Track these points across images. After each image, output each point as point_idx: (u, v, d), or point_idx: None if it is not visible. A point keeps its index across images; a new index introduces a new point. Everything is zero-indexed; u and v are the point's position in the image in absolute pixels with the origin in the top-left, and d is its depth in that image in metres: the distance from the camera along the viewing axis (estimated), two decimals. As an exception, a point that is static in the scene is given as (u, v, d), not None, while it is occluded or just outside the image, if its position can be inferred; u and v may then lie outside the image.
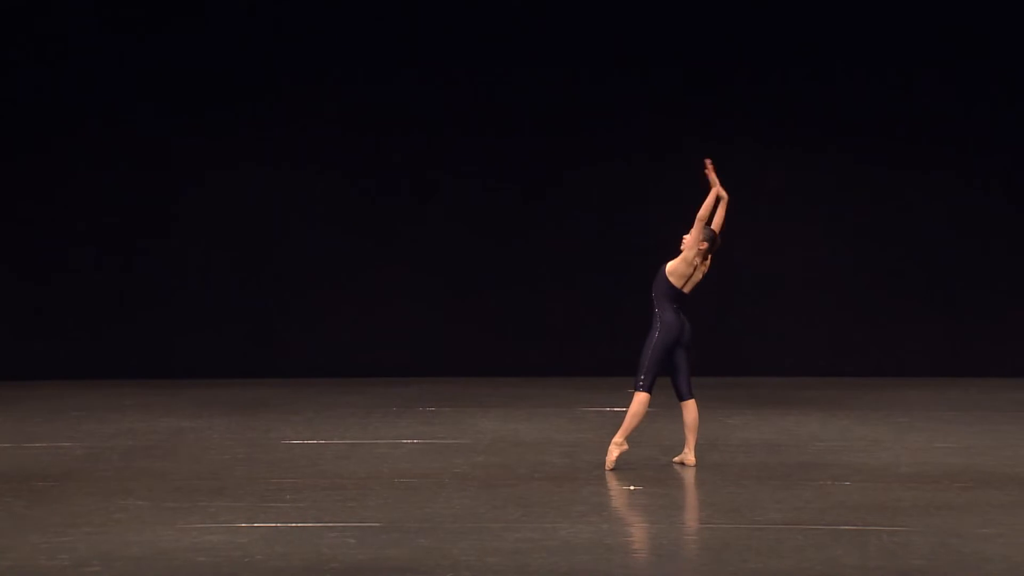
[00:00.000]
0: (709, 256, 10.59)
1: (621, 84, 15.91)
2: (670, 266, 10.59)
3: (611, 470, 10.41)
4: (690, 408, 10.65)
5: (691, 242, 10.50)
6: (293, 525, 8.89)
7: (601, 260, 16.06)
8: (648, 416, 12.98)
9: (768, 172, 15.99)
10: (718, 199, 10.65)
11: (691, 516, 9.07)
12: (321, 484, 10.14)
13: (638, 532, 8.64)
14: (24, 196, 15.87)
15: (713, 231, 10.56)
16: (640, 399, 10.51)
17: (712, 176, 10.70)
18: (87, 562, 7.96)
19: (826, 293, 16.05)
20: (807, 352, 16.04)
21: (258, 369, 15.82)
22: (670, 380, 10.72)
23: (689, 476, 10.40)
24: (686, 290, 10.63)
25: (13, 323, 15.84)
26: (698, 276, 10.64)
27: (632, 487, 10.00)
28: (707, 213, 10.56)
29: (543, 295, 16.09)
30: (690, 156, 16.02)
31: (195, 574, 7.77)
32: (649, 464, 10.87)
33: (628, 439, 10.54)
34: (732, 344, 16.03)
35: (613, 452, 10.47)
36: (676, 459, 10.75)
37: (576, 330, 16.09)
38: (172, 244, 15.96)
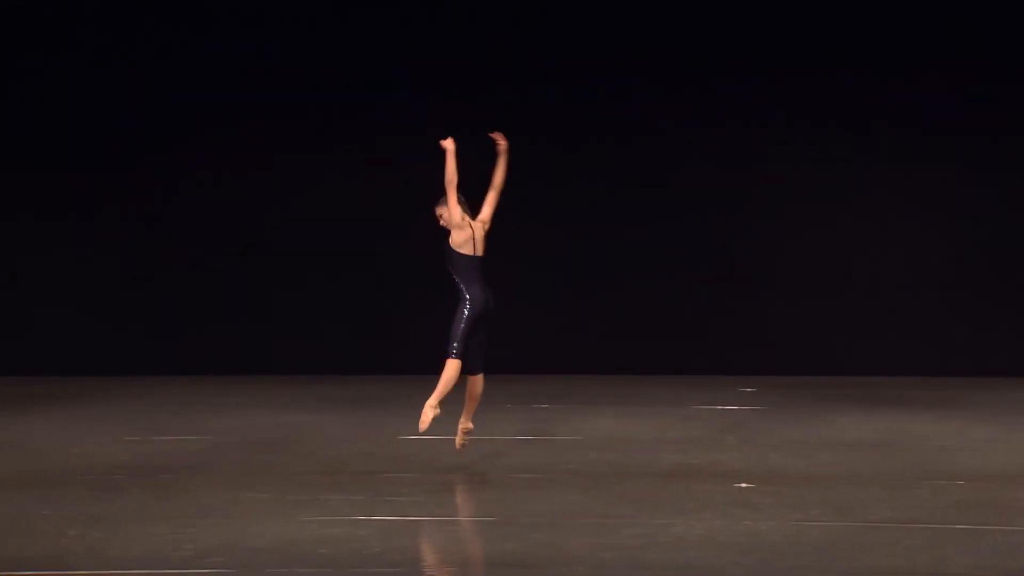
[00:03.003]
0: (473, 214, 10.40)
1: (712, 88, 15.83)
2: (452, 241, 10.41)
3: (424, 432, 10.28)
4: (477, 382, 10.53)
5: (451, 205, 10.28)
6: (410, 519, 8.92)
7: (707, 260, 15.97)
8: (760, 415, 12.89)
9: (868, 174, 15.84)
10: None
11: (801, 514, 8.97)
12: (436, 479, 10.17)
13: (750, 529, 8.55)
14: (142, 200, 16.08)
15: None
16: (452, 365, 10.35)
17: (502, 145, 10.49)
18: (211, 552, 8.04)
19: (933, 292, 15.85)
20: (915, 352, 15.84)
21: (372, 366, 15.91)
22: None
23: (800, 474, 10.30)
24: (479, 253, 10.47)
25: (146, 322, 16.04)
26: (480, 233, 10.45)
27: (744, 484, 9.92)
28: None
29: (653, 294, 16.02)
30: (784, 162, 16.10)
31: (316, 565, 7.82)
32: (760, 462, 10.78)
33: (442, 404, 10.37)
34: (840, 344, 15.88)
35: (428, 414, 10.25)
36: (461, 428, 10.54)
37: (686, 329, 16.01)
38: (282, 245, 16.07)
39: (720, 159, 16.04)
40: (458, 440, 10.53)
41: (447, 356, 10.43)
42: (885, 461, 10.78)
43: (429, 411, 10.32)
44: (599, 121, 16.02)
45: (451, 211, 10.34)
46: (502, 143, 10.55)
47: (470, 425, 10.60)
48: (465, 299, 10.50)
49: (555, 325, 16.05)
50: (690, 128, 15.98)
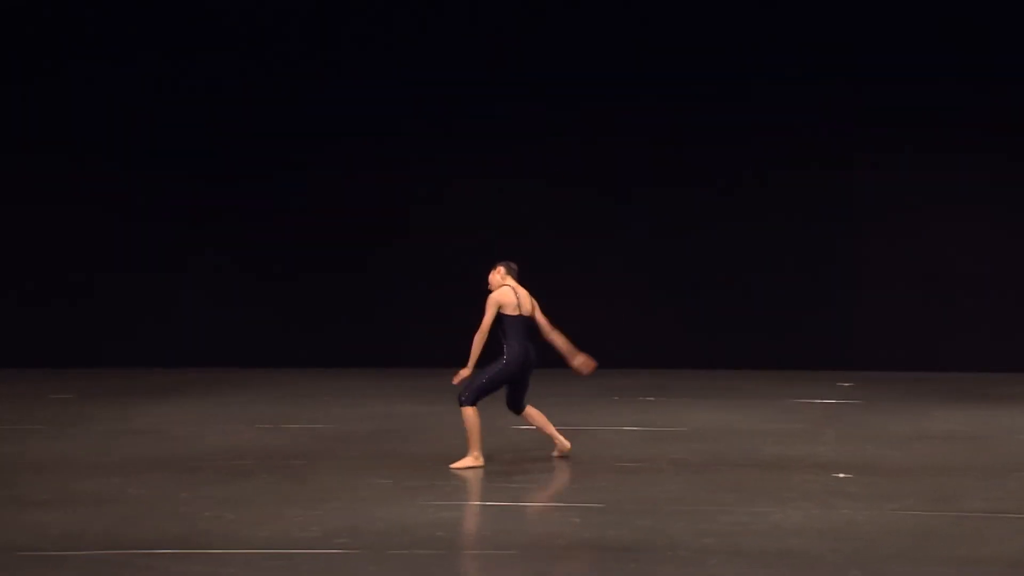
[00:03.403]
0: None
1: (806, 89, 15.77)
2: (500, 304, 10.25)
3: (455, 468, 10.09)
4: (531, 414, 10.42)
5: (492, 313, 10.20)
6: (521, 504, 8.99)
7: (805, 258, 15.92)
8: (856, 409, 12.82)
9: (962, 174, 15.70)
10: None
11: (897, 504, 8.95)
12: (546, 467, 10.23)
13: (846, 518, 8.55)
14: (284, 207, 16.34)
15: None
16: (466, 413, 10.21)
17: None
18: (336, 534, 8.16)
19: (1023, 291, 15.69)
20: (1004, 349, 15.68)
21: (485, 359, 16.00)
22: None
23: (895, 465, 10.27)
24: (525, 313, 10.33)
25: (279, 317, 16.29)
26: (526, 298, 10.35)
27: (841, 475, 9.91)
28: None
29: (754, 292, 16.00)
30: (880, 162, 16.00)
31: (434, 547, 7.91)
32: (857, 453, 10.75)
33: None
34: (932, 340, 15.75)
35: (465, 462, 10.13)
36: (559, 453, 10.42)
37: (785, 325, 15.97)
38: (405, 246, 16.24)
39: (819, 159, 15.97)
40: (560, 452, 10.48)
41: (460, 405, 10.29)
42: (977, 453, 10.70)
43: (470, 460, 10.18)
44: (698, 122, 16.02)
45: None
46: (582, 370, 10.42)
47: (567, 444, 10.48)
48: (503, 356, 10.31)
49: (659, 321, 16.08)
50: (789, 129, 15.93)
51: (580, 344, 16.28)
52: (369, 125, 16.20)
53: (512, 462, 10.41)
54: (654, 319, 16.07)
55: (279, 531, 8.21)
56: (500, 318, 10.30)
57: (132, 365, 15.95)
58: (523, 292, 10.38)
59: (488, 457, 10.58)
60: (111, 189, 16.31)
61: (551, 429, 10.50)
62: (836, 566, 7.50)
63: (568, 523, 8.45)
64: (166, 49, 16.26)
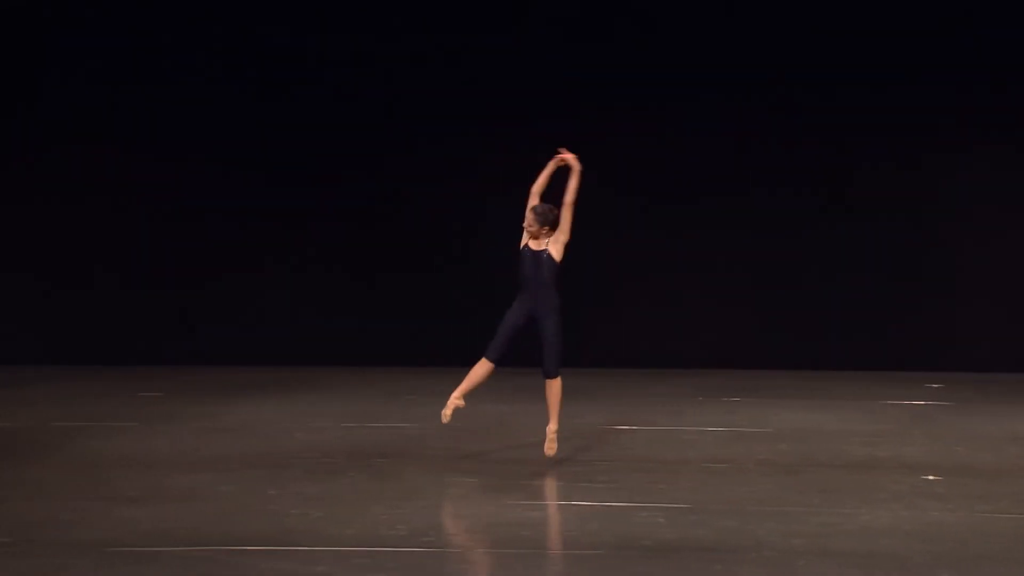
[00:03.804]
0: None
1: (891, 89, 15.63)
2: (557, 251, 10.04)
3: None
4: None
5: (565, 225, 9.97)
6: (606, 504, 8.97)
7: (894, 257, 15.77)
8: (946, 410, 12.68)
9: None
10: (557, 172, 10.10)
11: (989, 506, 8.83)
12: (631, 467, 10.20)
13: (936, 519, 8.45)
14: (358, 211, 16.44)
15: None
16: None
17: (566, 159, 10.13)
18: (422, 532, 8.18)
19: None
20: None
21: (568, 358, 15.98)
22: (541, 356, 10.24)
23: (988, 467, 10.13)
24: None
25: (369, 314, 16.36)
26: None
27: (931, 476, 9.79)
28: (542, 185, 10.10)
29: (841, 291, 15.87)
30: (969, 163, 15.82)
31: (519, 547, 7.92)
32: (947, 455, 10.62)
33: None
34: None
35: (550, 443, 10.03)
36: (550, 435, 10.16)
37: (873, 325, 15.83)
38: (490, 245, 16.23)
39: (907, 158, 15.82)
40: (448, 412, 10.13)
41: (557, 377, 10.14)
42: (1071, 455, 10.55)
43: (551, 440, 10.09)
44: (787, 121, 15.91)
45: (565, 228, 10.05)
46: (572, 163, 10.22)
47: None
48: (557, 308, 10.17)
49: (744, 321, 15.99)
50: (875, 129, 15.78)
51: (664, 345, 16.37)
52: (446, 124, 16.23)
53: (595, 462, 10.39)
54: (740, 319, 15.98)
55: (366, 529, 8.25)
56: (555, 266, 10.04)
57: (220, 363, 16.10)
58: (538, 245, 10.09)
59: (570, 457, 10.57)
60: (200, 189, 16.46)
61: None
62: (925, 567, 7.41)
63: (653, 523, 8.42)
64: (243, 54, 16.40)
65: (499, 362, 10.25)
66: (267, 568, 7.50)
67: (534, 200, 10.21)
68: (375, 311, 16.43)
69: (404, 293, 16.40)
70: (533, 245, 10.15)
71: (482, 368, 10.23)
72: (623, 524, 8.41)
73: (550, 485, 9.56)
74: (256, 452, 10.76)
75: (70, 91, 16.45)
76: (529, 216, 10.15)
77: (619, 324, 16.20)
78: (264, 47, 16.38)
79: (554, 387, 10.24)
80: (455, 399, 10.22)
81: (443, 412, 10.20)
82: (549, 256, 10.12)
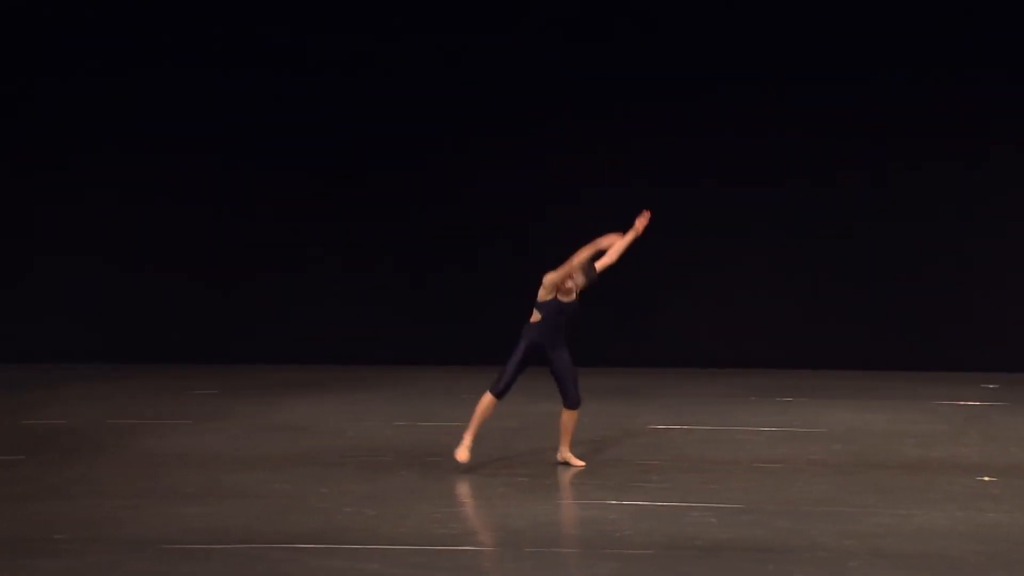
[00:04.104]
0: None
1: (969, 88, 15.51)
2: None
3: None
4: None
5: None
6: (659, 504, 8.95)
7: (948, 257, 15.66)
8: (1002, 411, 12.57)
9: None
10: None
11: (1044, 507, 8.76)
12: (684, 467, 10.18)
13: (992, 521, 8.38)
14: (422, 203, 16.46)
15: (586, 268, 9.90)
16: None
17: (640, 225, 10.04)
18: (475, 531, 8.21)
19: None
20: None
21: (620, 359, 15.98)
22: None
23: (1041, 469, 10.05)
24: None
25: (412, 315, 16.38)
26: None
27: (986, 477, 9.72)
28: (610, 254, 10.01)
29: (895, 291, 15.77)
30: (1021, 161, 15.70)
31: (572, 545, 7.93)
32: (1003, 456, 10.53)
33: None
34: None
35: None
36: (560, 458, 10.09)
37: (927, 325, 15.72)
38: (544, 244, 16.20)
39: (962, 158, 15.70)
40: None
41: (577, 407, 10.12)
42: None
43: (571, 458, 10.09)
44: (847, 116, 15.80)
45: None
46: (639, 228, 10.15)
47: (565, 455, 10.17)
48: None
49: (798, 321, 15.92)
50: (931, 127, 15.67)
51: (717, 344, 16.30)
52: (505, 123, 16.22)
53: (648, 461, 10.37)
54: (792, 318, 15.90)
55: (418, 527, 8.27)
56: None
57: (273, 362, 16.17)
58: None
59: (623, 457, 10.56)
60: (251, 188, 16.54)
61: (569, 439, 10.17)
62: (981, 568, 7.36)
63: (706, 523, 8.40)
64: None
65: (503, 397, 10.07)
66: (319, 566, 7.53)
67: (586, 253, 9.93)
68: (428, 310, 16.45)
69: (461, 292, 16.40)
70: (563, 298, 9.97)
71: (489, 404, 10.07)
72: (675, 524, 8.39)
73: (602, 484, 9.54)
74: (308, 450, 10.80)
75: (70, 90, 16.43)
76: (579, 277, 9.94)
77: (670, 324, 16.15)
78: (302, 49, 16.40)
79: (576, 415, 10.14)
80: (468, 440, 9.99)
81: (458, 453, 9.94)
82: (575, 303, 10.02)
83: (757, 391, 14.05)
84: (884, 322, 15.77)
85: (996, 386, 14.39)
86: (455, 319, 16.35)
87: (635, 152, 16.12)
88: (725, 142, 16.00)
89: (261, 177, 16.51)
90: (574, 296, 10.05)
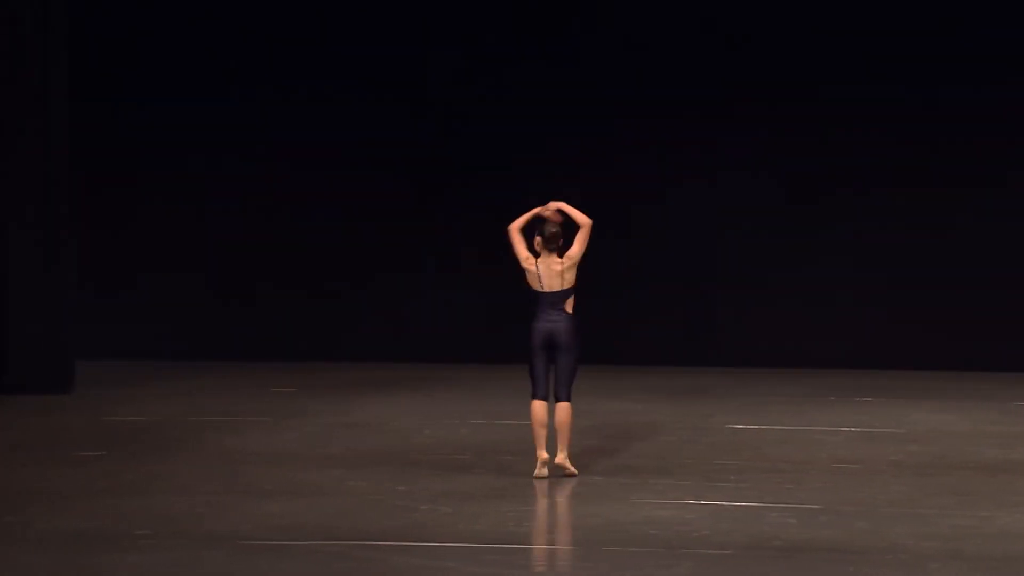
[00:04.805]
0: (552, 249, 9.68)
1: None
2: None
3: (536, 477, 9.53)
4: (556, 411, 9.65)
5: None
6: (737, 504, 8.90)
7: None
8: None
9: None
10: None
11: None
12: (762, 467, 10.11)
13: (1074, 524, 8.26)
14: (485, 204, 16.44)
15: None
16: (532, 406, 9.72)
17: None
18: (551, 529, 8.20)
19: None
20: None
21: (696, 358, 15.89)
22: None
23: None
24: (546, 289, 9.76)
25: (490, 313, 16.35)
26: (546, 270, 9.71)
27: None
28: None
29: (976, 291, 15.58)
30: None
31: (648, 545, 7.88)
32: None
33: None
34: None
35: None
36: (541, 460, 9.57)
37: (1006, 326, 15.53)
38: (627, 243, 16.15)
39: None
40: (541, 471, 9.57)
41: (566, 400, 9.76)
42: None
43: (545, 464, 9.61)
44: (935, 117, 15.64)
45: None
46: (553, 216, 9.85)
47: (559, 459, 9.59)
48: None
49: (876, 320, 15.78)
50: (1006, 131, 15.50)
51: (795, 344, 16.17)
52: (592, 123, 16.17)
53: (726, 461, 10.30)
54: (871, 318, 15.75)
55: (495, 525, 8.27)
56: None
57: (352, 359, 16.22)
58: (554, 267, 9.74)
59: (700, 456, 10.50)
60: (334, 191, 16.59)
61: (560, 440, 9.71)
62: (1064, 573, 7.25)
63: (785, 524, 8.33)
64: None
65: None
66: (397, 563, 7.55)
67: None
68: (507, 309, 16.41)
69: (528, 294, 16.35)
70: (543, 278, 9.78)
71: (540, 410, 9.70)
72: (754, 524, 8.33)
73: (678, 484, 9.49)
74: (386, 448, 10.83)
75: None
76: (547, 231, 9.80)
77: (749, 323, 16.04)
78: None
79: (568, 412, 9.73)
80: (542, 454, 9.59)
81: (537, 472, 9.53)
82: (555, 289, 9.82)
83: (836, 391, 13.94)
84: (965, 323, 15.58)
85: (1078, 387, 14.18)
86: (522, 319, 16.29)
87: (719, 151, 16.02)
88: (807, 140, 15.88)
89: (339, 181, 16.52)
90: (556, 265, 9.70)
